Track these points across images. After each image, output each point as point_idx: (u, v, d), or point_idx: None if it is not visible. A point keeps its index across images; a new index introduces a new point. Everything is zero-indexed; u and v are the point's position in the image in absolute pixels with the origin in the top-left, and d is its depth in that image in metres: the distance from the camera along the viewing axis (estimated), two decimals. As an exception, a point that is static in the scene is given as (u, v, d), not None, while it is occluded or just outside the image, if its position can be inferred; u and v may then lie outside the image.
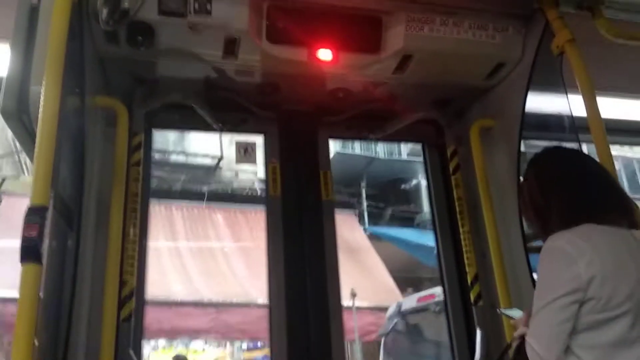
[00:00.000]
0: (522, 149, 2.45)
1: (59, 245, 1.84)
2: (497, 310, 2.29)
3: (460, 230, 2.67)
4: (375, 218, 11.79)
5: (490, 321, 2.49)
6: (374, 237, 9.96)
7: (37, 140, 1.48)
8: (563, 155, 1.75)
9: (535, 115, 2.44)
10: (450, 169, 2.74)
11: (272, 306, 2.50)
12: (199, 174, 10.47)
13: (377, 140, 2.95)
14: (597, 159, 2.00)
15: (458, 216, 2.68)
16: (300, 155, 2.73)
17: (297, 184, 2.68)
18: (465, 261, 2.62)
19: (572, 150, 1.86)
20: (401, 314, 7.04)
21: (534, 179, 1.72)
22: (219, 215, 9.04)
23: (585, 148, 2.26)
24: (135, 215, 2.24)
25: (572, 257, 1.44)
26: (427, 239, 8.27)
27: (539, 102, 2.44)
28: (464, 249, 2.64)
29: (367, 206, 11.67)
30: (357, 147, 11.77)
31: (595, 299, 1.40)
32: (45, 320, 1.69)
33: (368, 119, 2.83)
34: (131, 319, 2.12)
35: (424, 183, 9.43)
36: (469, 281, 2.59)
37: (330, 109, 2.75)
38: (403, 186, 11.91)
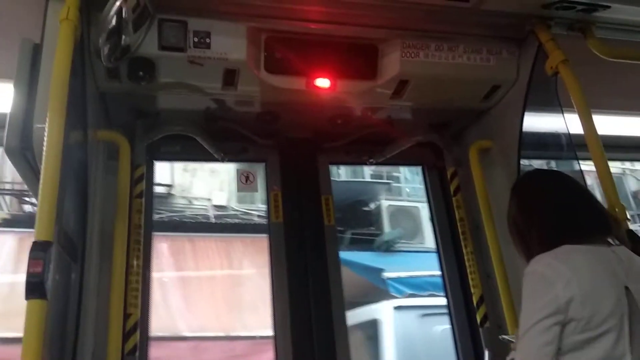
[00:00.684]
0: (522, 168, 2.46)
1: (63, 279, 1.84)
2: (500, 337, 2.29)
3: (464, 251, 2.67)
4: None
5: (497, 342, 2.47)
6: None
7: (42, 176, 1.50)
8: (541, 179, 1.81)
9: (533, 134, 2.46)
10: (451, 191, 2.76)
11: (277, 332, 2.49)
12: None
13: (377, 164, 2.98)
14: (597, 175, 2.03)
15: (461, 237, 2.69)
16: (301, 181, 2.76)
17: (299, 210, 2.70)
18: (470, 282, 2.61)
19: (551, 172, 1.91)
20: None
21: (515, 204, 1.77)
22: (163, 244, 8.51)
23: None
24: (139, 248, 2.25)
25: (550, 281, 1.47)
26: (381, 261, 8.34)
27: (536, 122, 2.47)
28: (468, 270, 2.63)
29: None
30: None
31: (576, 320, 1.42)
32: (50, 355, 1.69)
33: (367, 143, 2.86)
34: (136, 352, 2.10)
35: (385, 204, 9.33)
36: (475, 303, 2.58)
37: (329, 136, 2.78)
38: (365, 208, 11.73)
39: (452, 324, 2.78)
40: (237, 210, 9.14)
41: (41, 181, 1.50)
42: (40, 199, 1.47)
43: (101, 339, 2.05)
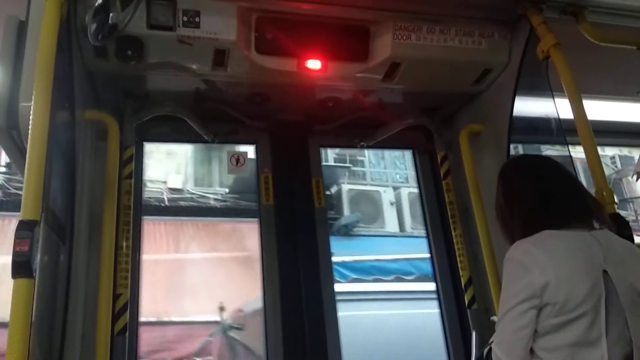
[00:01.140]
0: (511, 152, 2.48)
1: (51, 260, 1.83)
2: (490, 318, 2.33)
3: (453, 234, 2.69)
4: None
5: (485, 324, 2.50)
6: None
7: (28, 155, 1.48)
8: (525, 164, 1.82)
9: (523, 118, 2.47)
10: (441, 174, 2.77)
11: (267, 314, 2.51)
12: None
13: (368, 147, 2.97)
14: (586, 160, 2.04)
15: (450, 220, 2.71)
16: (292, 164, 2.75)
17: (289, 192, 2.70)
18: (459, 265, 2.64)
19: (535, 157, 1.92)
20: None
21: (500, 190, 1.79)
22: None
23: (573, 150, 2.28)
24: (128, 229, 2.24)
25: (527, 266, 1.50)
26: (337, 246, 7.91)
27: (526, 106, 2.47)
28: (457, 253, 2.66)
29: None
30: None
31: (552, 304, 1.45)
32: (38, 336, 1.68)
33: (358, 126, 2.85)
34: (126, 332, 2.11)
35: (345, 188, 9.27)
36: (463, 284, 2.61)
37: (320, 118, 2.77)
38: (325, 192, 11.50)
39: (440, 306, 2.80)
40: (193, 194, 8.93)
41: (27, 160, 1.49)
42: (26, 178, 1.46)
43: (90, 320, 2.05)
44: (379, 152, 9.79)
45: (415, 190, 9.06)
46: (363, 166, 10.37)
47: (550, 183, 1.68)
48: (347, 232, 8.89)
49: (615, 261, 1.52)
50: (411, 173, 10.04)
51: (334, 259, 7.63)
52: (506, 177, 1.81)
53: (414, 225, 8.80)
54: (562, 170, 1.76)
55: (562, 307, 1.44)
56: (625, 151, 9.51)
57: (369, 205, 9.17)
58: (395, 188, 9.64)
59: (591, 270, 1.48)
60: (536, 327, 1.47)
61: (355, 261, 7.33)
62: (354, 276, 7.09)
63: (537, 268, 1.48)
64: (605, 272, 1.49)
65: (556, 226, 1.58)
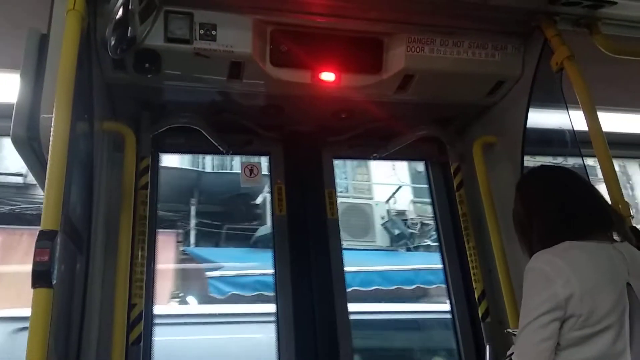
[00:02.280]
0: (525, 164, 2.47)
1: (69, 269, 1.86)
2: (505, 331, 2.31)
3: (466, 246, 2.68)
4: (207, 238, 10.30)
5: (498, 337, 2.48)
6: (193, 259, 8.74)
7: (49, 166, 1.51)
8: (545, 176, 1.81)
9: (537, 130, 2.46)
10: (454, 186, 2.76)
11: (280, 324, 2.51)
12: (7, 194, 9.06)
13: (381, 159, 2.98)
14: (601, 173, 2.03)
15: (463, 232, 2.70)
16: (305, 175, 2.76)
17: (302, 203, 2.71)
18: (472, 277, 2.62)
19: (554, 168, 1.91)
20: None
21: (520, 201, 1.78)
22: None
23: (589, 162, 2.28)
24: (144, 239, 2.26)
25: (550, 277, 1.48)
26: (247, 258, 7.54)
27: (540, 118, 2.47)
28: (470, 265, 2.64)
29: (198, 225, 10.19)
30: (186, 160, 10.34)
31: (576, 316, 1.43)
32: (55, 344, 1.70)
33: (371, 138, 2.86)
34: (140, 341, 2.12)
35: (268, 198, 8.83)
36: (477, 297, 2.59)
37: (333, 129, 2.78)
38: (251, 202, 10.60)
39: (453, 318, 2.78)
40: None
41: (48, 171, 1.51)
42: (47, 189, 1.49)
43: (106, 328, 2.07)
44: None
45: (350, 201, 8.96)
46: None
47: (571, 194, 1.67)
48: (267, 244, 8.16)
49: (638, 274, 1.50)
50: (351, 182, 10.01)
51: (211, 274, 6.91)
52: (526, 188, 1.80)
53: (345, 237, 8.21)
54: (582, 182, 1.75)
55: (586, 319, 1.42)
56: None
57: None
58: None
59: (615, 283, 1.47)
60: (559, 340, 1.45)
61: (237, 275, 6.77)
62: (233, 291, 6.53)
63: (560, 279, 1.46)
64: (628, 285, 1.47)
65: (577, 237, 1.56)
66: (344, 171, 9.87)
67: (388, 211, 10.11)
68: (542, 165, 2.00)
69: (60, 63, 1.66)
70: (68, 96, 1.61)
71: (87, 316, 1.93)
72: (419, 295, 7.63)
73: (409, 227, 10.59)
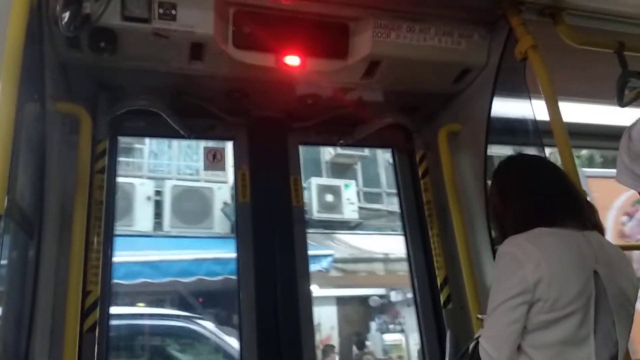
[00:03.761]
0: (489, 153, 2.48)
1: (20, 256, 1.79)
2: (477, 316, 2.34)
3: (430, 233, 2.70)
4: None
5: (460, 323, 2.52)
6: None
7: None
8: (520, 163, 1.82)
9: (501, 119, 2.48)
10: (420, 174, 2.77)
11: (242, 312, 2.48)
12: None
13: (347, 145, 2.96)
14: (559, 162, 2.06)
15: (427, 220, 2.72)
16: (270, 161, 2.72)
17: (267, 190, 2.67)
18: (435, 264, 2.64)
19: (530, 157, 1.93)
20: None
21: (495, 188, 1.80)
22: None
23: (548, 152, 2.30)
24: (99, 224, 2.19)
25: (520, 261, 1.49)
26: None
27: (504, 107, 2.48)
28: (433, 252, 2.66)
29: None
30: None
31: (543, 300, 1.45)
32: (4, 333, 1.64)
33: (338, 125, 2.84)
34: (95, 329, 2.07)
35: None
36: (439, 284, 2.61)
37: (299, 115, 2.75)
38: None
39: (416, 305, 2.81)
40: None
41: (-9, 151, 1.44)
42: (-11, 172, 1.41)
43: (60, 317, 2.01)
44: (165, 140, 8.68)
45: (189, 184, 8.14)
46: (142, 157, 9.09)
47: (545, 182, 1.69)
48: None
49: (605, 263, 1.53)
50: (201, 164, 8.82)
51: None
52: (502, 175, 1.81)
53: (175, 224, 7.70)
54: (556, 170, 1.77)
55: (553, 304, 1.44)
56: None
57: (121, 200, 7.66)
58: (159, 180, 8.38)
59: (583, 269, 1.49)
60: (525, 324, 1.46)
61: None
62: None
63: (530, 263, 1.47)
64: (595, 272, 1.49)
65: (549, 224, 1.57)
66: (196, 152, 9.07)
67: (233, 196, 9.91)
68: (519, 154, 2.01)
69: (7, 39, 1.57)
70: (15, 74, 1.52)
71: (39, 304, 1.87)
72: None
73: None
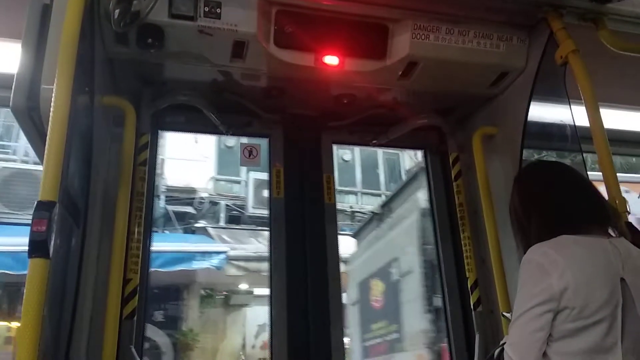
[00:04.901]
0: (524, 156, 2.47)
1: (64, 242, 1.86)
2: (502, 314, 2.33)
3: (461, 235, 2.69)
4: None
5: (489, 326, 2.51)
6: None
7: (48, 137, 1.50)
8: (542, 170, 1.82)
9: (537, 124, 2.46)
10: (452, 176, 2.77)
11: (273, 308, 2.52)
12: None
13: (380, 146, 2.98)
14: (600, 168, 2.04)
15: (459, 222, 2.71)
16: (304, 159, 2.76)
17: (300, 187, 2.71)
18: (465, 267, 2.64)
19: (552, 163, 1.93)
20: None
21: (517, 195, 1.79)
22: None
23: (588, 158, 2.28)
24: (140, 215, 2.26)
25: (545, 269, 1.49)
26: None
27: (541, 111, 2.46)
28: (464, 255, 2.66)
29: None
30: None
31: (569, 308, 1.45)
32: (49, 315, 1.71)
33: (372, 124, 2.86)
34: (134, 316, 2.14)
35: None
36: (469, 286, 2.61)
37: (334, 114, 2.78)
38: None
39: (445, 306, 2.81)
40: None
41: (47, 142, 1.50)
42: (46, 160, 1.48)
43: (100, 303, 2.08)
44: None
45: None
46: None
47: (569, 189, 1.68)
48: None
49: (632, 270, 1.52)
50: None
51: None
52: (524, 182, 1.81)
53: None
54: (580, 177, 1.76)
55: (579, 312, 1.44)
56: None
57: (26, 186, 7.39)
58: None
59: (610, 277, 1.48)
60: (551, 331, 1.46)
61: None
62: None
63: (556, 271, 1.47)
64: (622, 280, 1.49)
65: (574, 232, 1.57)
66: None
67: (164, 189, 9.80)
68: (539, 160, 2.01)
69: (63, 34, 1.64)
70: (70, 68, 1.59)
71: (82, 289, 1.94)
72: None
73: (195, 206, 10.35)
